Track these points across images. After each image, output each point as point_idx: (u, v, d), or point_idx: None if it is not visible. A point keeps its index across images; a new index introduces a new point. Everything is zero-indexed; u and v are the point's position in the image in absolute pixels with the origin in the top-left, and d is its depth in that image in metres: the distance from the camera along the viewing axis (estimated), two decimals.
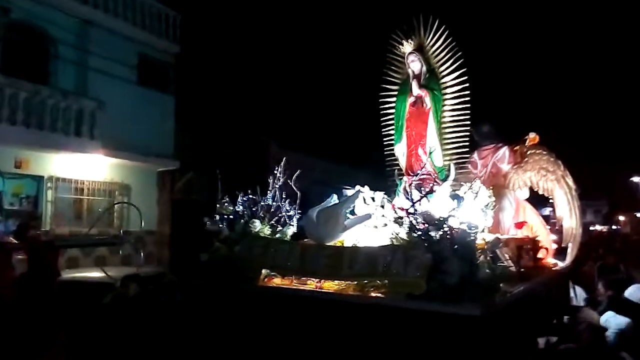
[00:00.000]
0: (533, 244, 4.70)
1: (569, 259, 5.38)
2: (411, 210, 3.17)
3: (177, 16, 14.40)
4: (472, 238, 3.00)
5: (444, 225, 2.98)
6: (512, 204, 5.42)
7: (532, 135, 5.63)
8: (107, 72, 11.99)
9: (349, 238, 3.98)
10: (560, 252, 5.50)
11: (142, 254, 11.64)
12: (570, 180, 5.27)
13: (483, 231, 4.06)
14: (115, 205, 12.57)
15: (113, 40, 12.39)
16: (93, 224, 11.09)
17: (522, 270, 4.06)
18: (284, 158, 4.53)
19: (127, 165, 12.72)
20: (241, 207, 4.23)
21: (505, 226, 5.27)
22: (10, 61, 10.83)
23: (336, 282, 3.46)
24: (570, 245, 5.37)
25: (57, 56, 11.72)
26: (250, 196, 4.30)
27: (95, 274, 7.55)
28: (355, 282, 3.33)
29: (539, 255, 4.75)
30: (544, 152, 5.38)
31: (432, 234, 2.98)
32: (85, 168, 11.99)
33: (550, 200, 5.48)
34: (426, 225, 3.02)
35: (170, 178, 14.45)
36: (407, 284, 2.95)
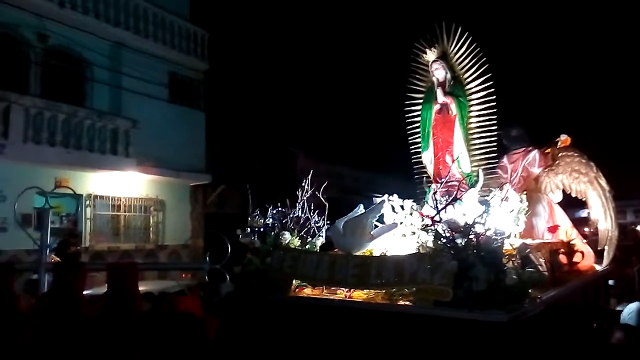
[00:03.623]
0: (568, 248, 4.61)
1: (605, 262, 5.25)
2: (436, 217, 3.18)
3: (205, 34, 14.74)
4: (499, 244, 2.98)
5: (470, 232, 2.97)
6: (546, 208, 5.34)
7: (563, 137, 5.53)
8: (139, 91, 12.36)
9: (377, 247, 4.00)
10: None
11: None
12: (603, 182, 5.16)
13: (515, 236, 4.01)
14: (152, 221, 12.90)
15: (144, 60, 12.76)
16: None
17: (556, 274, 3.99)
18: (311, 170, 4.59)
19: (161, 181, 13.04)
20: (271, 220, 4.31)
21: (539, 230, 5.20)
22: (49, 85, 11.30)
23: (365, 291, 3.49)
24: (606, 248, 5.25)
25: (92, 78, 12.15)
26: (280, 208, 4.37)
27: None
28: (384, 291, 3.36)
29: (575, 259, 4.65)
30: (576, 154, 5.28)
31: (458, 241, 2.98)
32: (121, 185, 12.35)
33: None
34: (452, 232, 3.02)
35: (203, 192, 14.72)
36: (434, 292, 2.96)
